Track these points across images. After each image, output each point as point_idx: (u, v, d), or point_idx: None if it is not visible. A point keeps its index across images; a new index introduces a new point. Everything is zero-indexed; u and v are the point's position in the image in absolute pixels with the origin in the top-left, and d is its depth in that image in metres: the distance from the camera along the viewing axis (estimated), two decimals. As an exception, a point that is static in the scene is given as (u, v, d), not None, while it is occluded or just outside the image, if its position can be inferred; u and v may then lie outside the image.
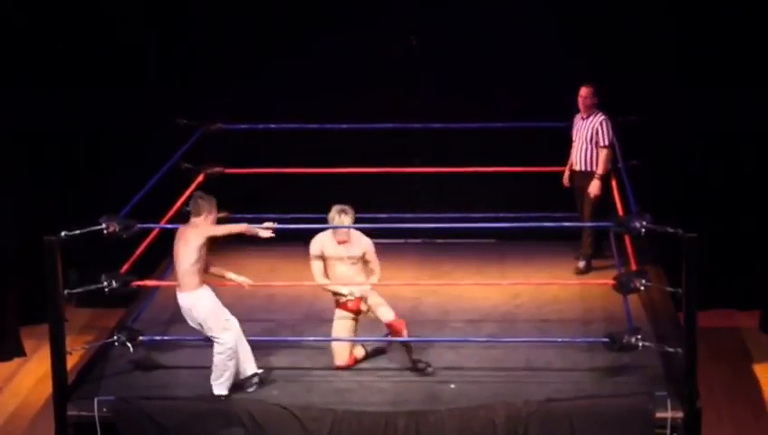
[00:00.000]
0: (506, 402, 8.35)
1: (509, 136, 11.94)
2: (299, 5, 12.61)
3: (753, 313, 12.44)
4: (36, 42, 12.40)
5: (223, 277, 9.07)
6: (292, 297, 10.45)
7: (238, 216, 11.53)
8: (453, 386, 8.74)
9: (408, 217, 11.50)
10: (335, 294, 9.30)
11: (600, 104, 11.05)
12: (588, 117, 11.00)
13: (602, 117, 10.93)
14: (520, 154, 11.64)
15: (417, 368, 9.00)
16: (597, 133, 10.90)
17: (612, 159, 10.98)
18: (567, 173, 11.22)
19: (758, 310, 12.40)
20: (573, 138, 11.13)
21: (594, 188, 10.88)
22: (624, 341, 8.72)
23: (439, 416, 8.29)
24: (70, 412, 8.47)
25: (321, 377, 8.91)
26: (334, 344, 9.14)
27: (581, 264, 11.02)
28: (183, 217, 11.02)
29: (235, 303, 10.25)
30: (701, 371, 8.52)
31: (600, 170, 10.88)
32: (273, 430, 8.32)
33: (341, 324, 9.24)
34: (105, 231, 8.94)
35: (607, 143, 10.87)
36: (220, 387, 8.61)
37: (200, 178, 11.47)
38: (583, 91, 11.01)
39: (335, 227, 9.19)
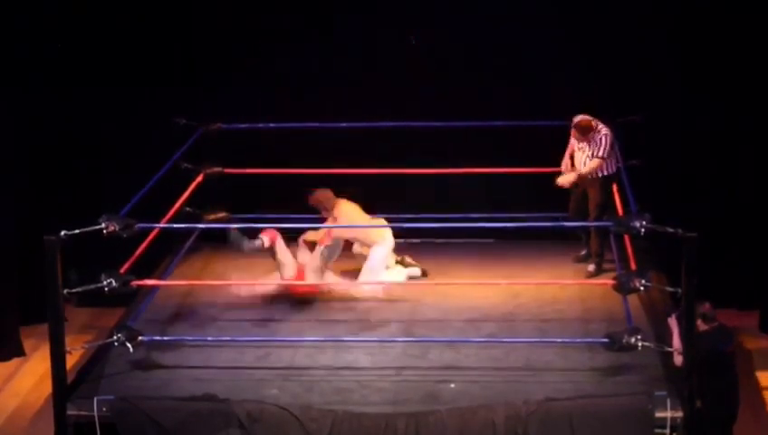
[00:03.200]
0: (506, 402, 8.34)
1: (509, 136, 11.95)
2: (298, 5, 12.61)
3: (753, 313, 12.45)
4: (36, 42, 12.39)
5: None
6: (292, 297, 10.45)
7: (238, 216, 11.56)
8: (453, 386, 8.74)
9: (409, 217, 11.50)
10: None
11: (600, 105, 11.03)
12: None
13: (605, 131, 10.83)
14: (520, 154, 11.64)
15: None
16: (596, 145, 10.82)
17: (613, 162, 10.96)
18: (569, 176, 11.12)
19: (758, 310, 12.40)
20: (573, 148, 11.05)
21: (565, 180, 10.88)
22: (624, 341, 8.71)
23: (439, 416, 8.28)
24: (69, 412, 8.46)
25: (321, 377, 8.90)
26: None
27: (591, 267, 10.98)
28: (183, 217, 11.07)
29: (234, 302, 10.29)
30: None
31: (584, 171, 10.82)
32: (273, 431, 8.31)
33: None
34: (105, 231, 8.93)
35: (601, 155, 10.77)
36: None
37: (200, 178, 11.47)
38: (583, 121, 10.80)
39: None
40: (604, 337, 8.89)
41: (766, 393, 10.93)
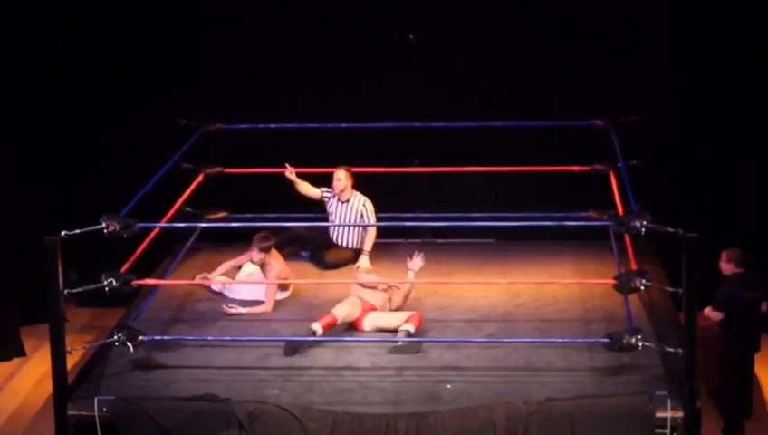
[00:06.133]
0: (506, 402, 8.34)
1: (509, 136, 11.95)
2: (298, 5, 12.61)
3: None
4: (36, 42, 12.40)
5: None
6: (292, 296, 10.46)
7: (238, 215, 11.57)
8: (449, 386, 8.73)
9: (408, 217, 11.53)
10: None
11: (601, 105, 11.04)
12: None
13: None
14: (520, 154, 11.65)
15: None
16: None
17: (612, 159, 10.99)
18: None
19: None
20: None
21: None
22: (624, 341, 8.71)
23: (440, 417, 8.28)
24: (70, 412, 8.46)
25: (322, 377, 8.90)
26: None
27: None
28: (183, 217, 11.09)
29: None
30: (701, 370, 8.53)
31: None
32: (273, 432, 8.31)
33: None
34: (105, 231, 8.93)
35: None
36: None
37: (200, 178, 11.48)
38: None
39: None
40: (604, 337, 8.89)
41: (766, 393, 10.92)
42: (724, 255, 10.08)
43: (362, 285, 9.96)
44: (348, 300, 9.74)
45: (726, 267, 10.05)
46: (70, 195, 12.84)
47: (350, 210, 11.14)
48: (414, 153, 12.52)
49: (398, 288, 9.96)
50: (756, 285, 10.05)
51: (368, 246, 11.12)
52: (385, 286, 9.96)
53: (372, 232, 11.14)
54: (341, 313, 9.58)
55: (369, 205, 11.16)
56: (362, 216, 11.10)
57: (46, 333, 8.60)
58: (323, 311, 10.00)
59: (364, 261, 11.04)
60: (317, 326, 9.35)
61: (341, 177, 11.13)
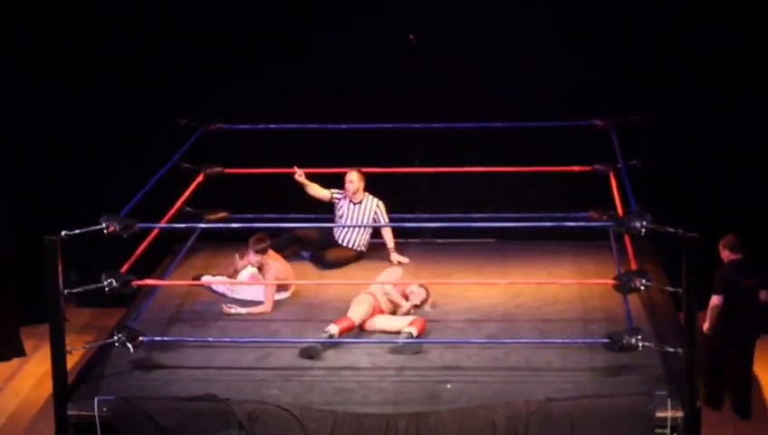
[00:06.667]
0: (506, 402, 8.34)
1: (509, 136, 11.95)
2: (298, 5, 12.62)
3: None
4: (36, 42, 12.40)
5: None
6: (292, 297, 10.46)
7: (238, 216, 11.57)
8: (449, 386, 8.73)
9: (408, 217, 11.53)
10: None
11: (601, 105, 11.03)
12: None
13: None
14: (520, 154, 11.65)
15: None
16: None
17: (612, 159, 11.00)
18: None
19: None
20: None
21: None
22: (624, 341, 8.71)
23: (440, 417, 8.28)
24: (70, 412, 8.45)
25: (322, 377, 8.90)
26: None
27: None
28: (183, 217, 11.08)
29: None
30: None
31: None
32: (273, 432, 8.31)
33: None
34: (105, 231, 8.93)
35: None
36: None
37: (200, 178, 11.48)
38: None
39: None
40: (605, 337, 8.89)
41: (766, 393, 10.92)
42: (720, 244, 10.44)
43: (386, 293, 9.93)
44: (363, 299, 9.73)
45: (724, 254, 10.40)
46: (70, 195, 12.84)
47: (362, 211, 11.16)
48: (414, 153, 12.53)
49: (400, 306, 9.95)
50: (754, 274, 10.31)
51: (391, 243, 11.27)
52: (395, 301, 9.94)
53: (389, 229, 11.24)
54: (358, 315, 9.58)
55: (383, 206, 11.19)
56: (376, 215, 11.13)
57: (46, 333, 8.60)
58: (324, 311, 10.04)
59: (399, 257, 11.20)
60: (334, 329, 9.34)
61: (354, 178, 11.15)
